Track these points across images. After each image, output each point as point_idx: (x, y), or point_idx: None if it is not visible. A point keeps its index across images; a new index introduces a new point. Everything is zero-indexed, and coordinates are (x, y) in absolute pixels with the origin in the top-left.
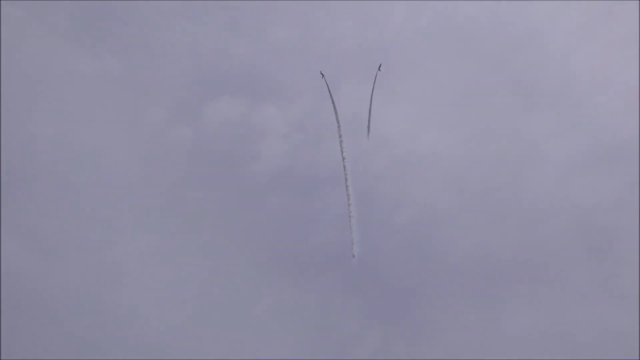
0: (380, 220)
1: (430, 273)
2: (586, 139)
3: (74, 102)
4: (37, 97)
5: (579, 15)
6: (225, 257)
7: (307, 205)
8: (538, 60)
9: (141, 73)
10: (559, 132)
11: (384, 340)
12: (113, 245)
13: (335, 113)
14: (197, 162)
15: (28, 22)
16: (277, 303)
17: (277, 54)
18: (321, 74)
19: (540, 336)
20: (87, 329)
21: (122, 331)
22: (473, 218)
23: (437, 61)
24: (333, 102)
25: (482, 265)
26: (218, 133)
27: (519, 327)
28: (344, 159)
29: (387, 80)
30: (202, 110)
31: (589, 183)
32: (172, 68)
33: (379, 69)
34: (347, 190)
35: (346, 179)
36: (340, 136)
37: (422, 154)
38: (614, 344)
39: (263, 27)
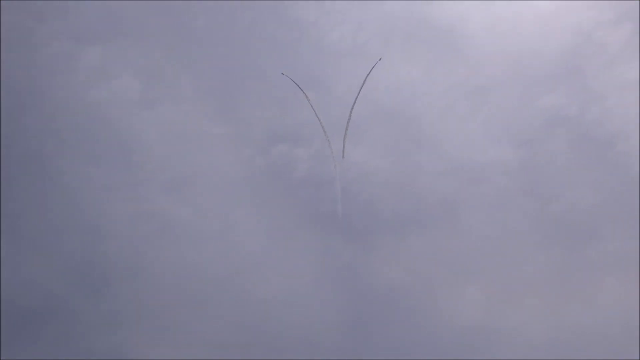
0: (352, 200)
1: (377, 225)
2: (446, 162)
3: (207, 150)
4: (186, 146)
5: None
6: (276, 222)
7: (317, 194)
8: (417, 126)
9: (241, 133)
10: (436, 158)
11: (354, 256)
12: (224, 215)
13: (311, 106)
14: (266, 176)
15: (187, 104)
16: (300, 240)
17: (302, 126)
18: (282, 73)
19: (428, 258)
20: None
21: (232, 249)
22: (394, 199)
23: (374, 125)
24: (305, 95)
25: (403, 221)
26: (276, 162)
27: (420, 250)
28: (334, 166)
29: (356, 135)
30: (269, 150)
31: (450, 183)
32: (256, 131)
33: (379, 60)
34: (337, 186)
35: (336, 181)
36: (321, 123)
37: (371, 170)
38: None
39: (298, 112)
